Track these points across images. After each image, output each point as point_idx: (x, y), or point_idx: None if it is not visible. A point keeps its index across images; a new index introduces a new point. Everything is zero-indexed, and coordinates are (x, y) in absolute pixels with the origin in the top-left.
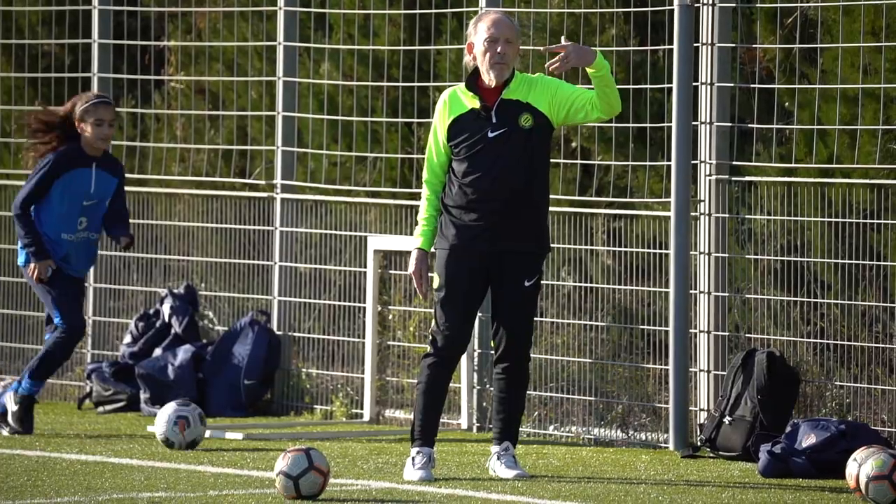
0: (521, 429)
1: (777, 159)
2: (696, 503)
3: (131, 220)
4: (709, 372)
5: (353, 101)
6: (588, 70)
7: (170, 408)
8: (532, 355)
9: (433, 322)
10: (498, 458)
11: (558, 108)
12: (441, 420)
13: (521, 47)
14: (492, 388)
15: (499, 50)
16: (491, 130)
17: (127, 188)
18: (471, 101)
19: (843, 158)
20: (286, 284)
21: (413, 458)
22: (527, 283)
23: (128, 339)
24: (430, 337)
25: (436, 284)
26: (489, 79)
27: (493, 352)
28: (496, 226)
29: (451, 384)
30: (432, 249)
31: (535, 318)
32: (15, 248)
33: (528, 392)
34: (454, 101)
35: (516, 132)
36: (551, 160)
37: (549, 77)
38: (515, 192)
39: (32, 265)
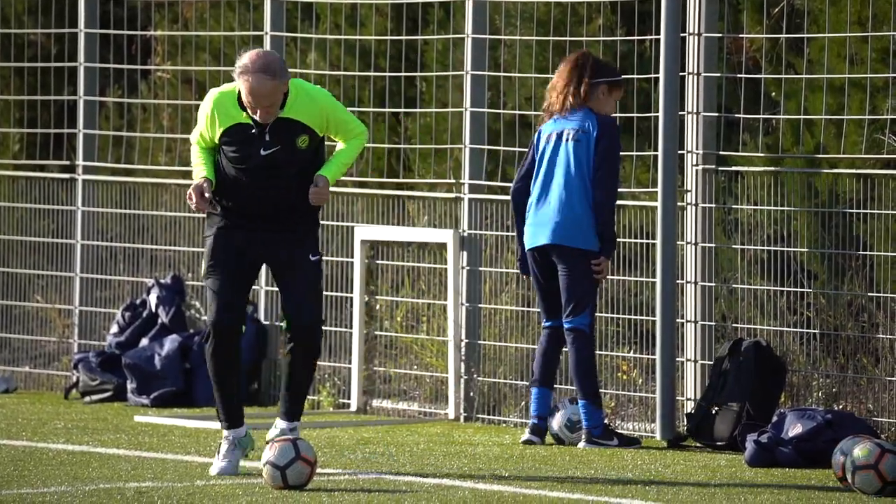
0: (507, 418)
1: (764, 149)
2: (683, 493)
3: (119, 210)
4: (696, 362)
5: (340, 91)
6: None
7: None
8: (520, 346)
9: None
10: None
11: (330, 130)
12: (428, 410)
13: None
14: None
15: (259, 115)
16: (264, 149)
17: (114, 178)
18: (241, 117)
19: (829, 148)
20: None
21: (219, 446)
22: (312, 257)
23: (114, 328)
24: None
25: (204, 268)
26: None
27: (283, 326)
28: (264, 230)
29: (438, 374)
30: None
31: (521, 308)
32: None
33: (515, 382)
34: (221, 110)
35: (289, 149)
36: None
37: (324, 97)
38: (285, 207)
39: None
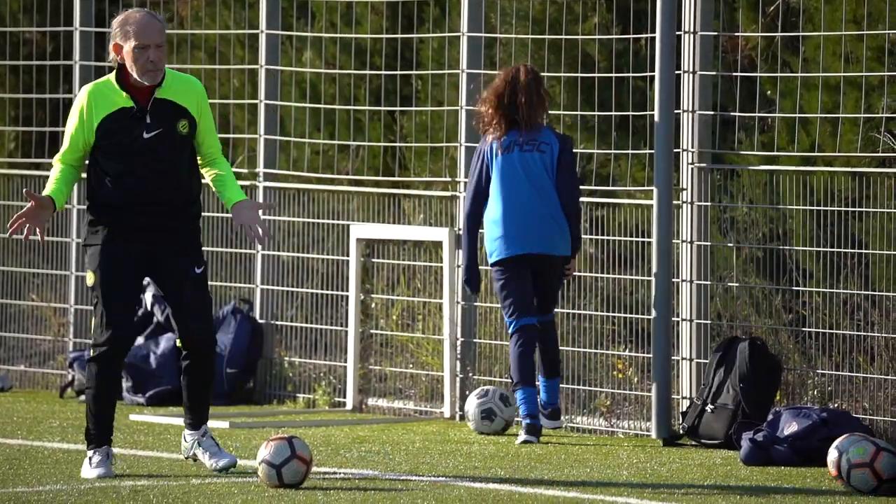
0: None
1: (759, 147)
2: (678, 491)
3: None
4: (691, 360)
5: (335, 90)
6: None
7: None
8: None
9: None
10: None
11: (199, 123)
12: (423, 408)
13: (500, 35)
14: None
15: (150, 58)
16: (146, 132)
17: None
18: (121, 100)
19: (824, 147)
20: (268, 273)
21: (90, 458)
22: (197, 270)
23: None
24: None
25: (91, 282)
26: (141, 82)
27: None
28: (153, 226)
29: (433, 372)
30: (83, 245)
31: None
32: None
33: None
34: (99, 98)
35: (171, 134)
36: None
37: (202, 89)
38: (173, 193)
39: None
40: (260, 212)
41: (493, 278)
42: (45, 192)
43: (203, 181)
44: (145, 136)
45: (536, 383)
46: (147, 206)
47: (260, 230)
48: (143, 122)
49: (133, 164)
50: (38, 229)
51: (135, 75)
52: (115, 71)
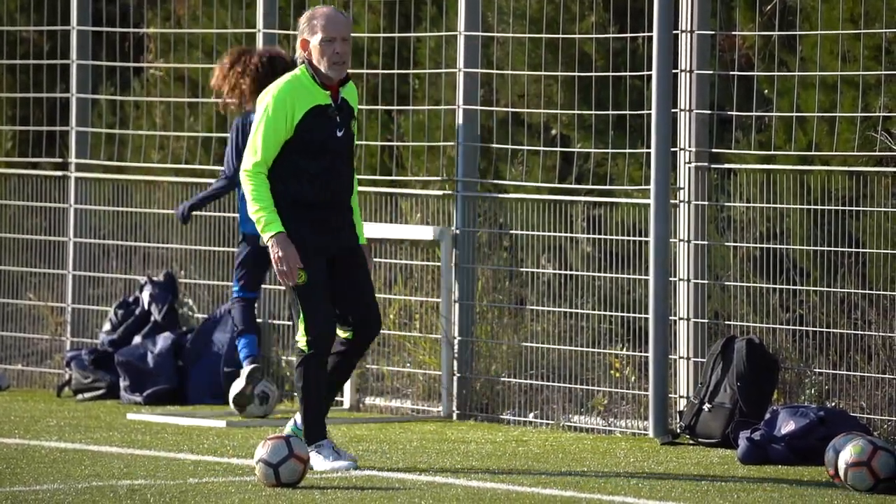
0: (501, 415)
1: (756, 147)
2: (676, 490)
3: (112, 208)
4: (688, 359)
5: None
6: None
7: None
8: (512, 343)
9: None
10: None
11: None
12: (420, 407)
13: (498, 34)
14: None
15: (337, 50)
16: (338, 130)
17: (106, 175)
18: (320, 97)
19: (822, 146)
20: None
21: (320, 454)
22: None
23: (107, 326)
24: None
25: (301, 279)
26: (329, 76)
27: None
28: (341, 223)
29: (431, 371)
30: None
31: (516, 306)
32: None
33: (508, 379)
34: (297, 94)
35: (350, 132)
36: (531, 147)
37: (356, 89)
38: (350, 192)
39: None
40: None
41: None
42: (276, 230)
43: None
44: (338, 133)
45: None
46: (337, 204)
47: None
48: (335, 120)
49: (328, 162)
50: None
51: (322, 69)
52: (304, 68)
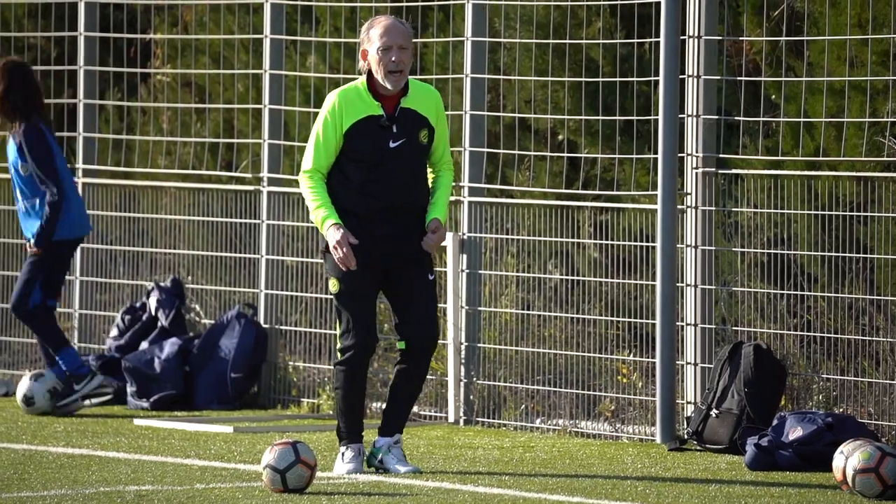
0: (507, 421)
1: (764, 152)
2: (683, 496)
3: (119, 213)
4: (695, 365)
5: None
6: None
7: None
8: (519, 348)
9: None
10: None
11: (436, 130)
12: (427, 413)
13: (505, 40)
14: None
15: (393, 59)
16: (392, 141)
17: (113, 181)
18: (371, 107)
19: (829, 151)
20: (273, 277)
21: (343, 454)
22: (430, 277)
23: (114, 332)
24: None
25: (334, 289)
26: (386, 87)
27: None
28: (389, 232)
29: (438, 377)
30: (322, 251)
31: (521, 311)
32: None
33: (515, 385)
34: (348, 104)
35: (413, 143)
36: (538, 152)
37: (439, 96)
38: (410, 202)
39: None
40: (436, 236)
41: None
42: (333, 220)
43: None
44: (391, 145)
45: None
46: (388, 214)
47: (436, 240)
48: (389, 130)
49: (377, 172)
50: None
51: (379, 79)
52: (364, 78)
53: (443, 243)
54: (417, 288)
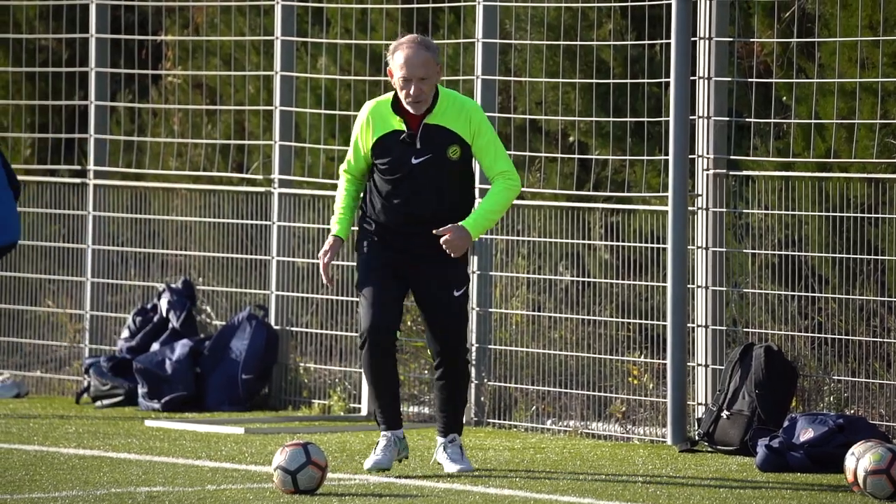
0: (519, 422)
1: (774, 154)
2: (694, 498)
3: (130, 215)
4: (706, 366)
5: (350, 96)
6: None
7: None
8: (530, 350)
9: None
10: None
11: (474, 150)
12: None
13: (515, 41)
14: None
15: (412, 91)
16: (415, 157)
17: (124, 183)
18: (395, 123)
19: (840, 153)
20: (284, 279)
21: (378, 443)
22: (456, 293)
23: (125, 333)
24: None
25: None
26: (409, 110)
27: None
28: (405, 246)
29: None
30: (355, 251)
31: (532, 312)
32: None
33: (526, 386)
34: (377, 117)
35: (441, 159)
36: (549, 154)
37: (475, 109)
38: (434, 217)
39: None
40: (461, 238)
41: None
42: (333, 232)
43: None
44: (414, 161)
45: None
46: (409, 228)
47: (447, 242)
48: (412, 147)
49: (400, 187)
50: (330, 281)
51: (402, 101)
52: (393, 93)
53: (461, 252)
54: (440, 304)
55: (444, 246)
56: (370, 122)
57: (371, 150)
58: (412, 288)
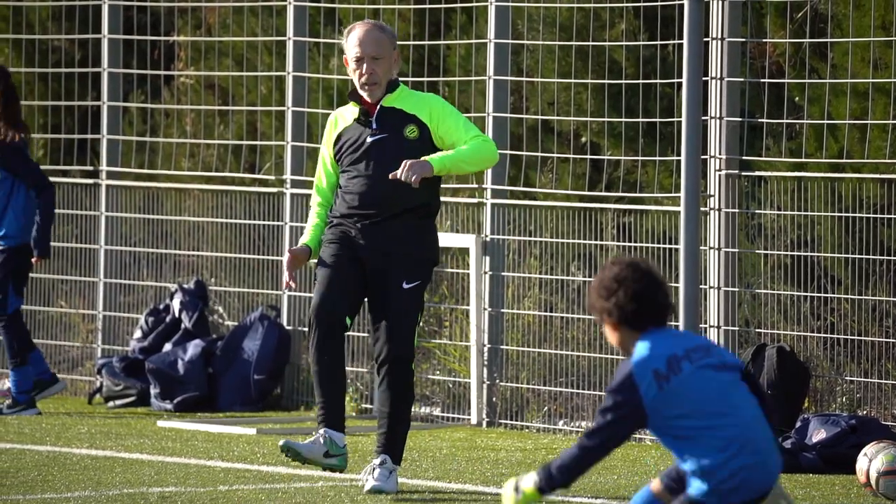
0: (530, 423)
1: (787, 154)
2: None
3: (142, 215)
4: None
5: None
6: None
7: None
8: (542, 350)
9: None
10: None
11: (439, 135)
12: (450, 415)
13: (528, 42)
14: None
15: (364, 70)
16: (370, 136)
17: (137, 183)
18: (353, 113)
19: (853, 153)
20: (296, 279)
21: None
22: (405, 285)
23: (138, 334)
24: None
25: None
26: (363, 97)
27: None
28: (372, 232)
29: (460, 379)
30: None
31: (544, 313)
32: None
33: (538, 387)
34: (340, 117)
35: (397, 138)
36: (561, 154)
37: (436, 98)
38: (392, 197)
39: None
40: (420, 168)
41: None
42: (302, 241)
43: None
44: (369, 139)
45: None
46: (367, 211)
47: (406, 167)
48: (368, 126)
49: (357, 167)
50: (291, 279)
51: (357, 88)
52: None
53: (414, 178)
54: (387, 297)
55: (400, 170)
56: (336, 123)
57: (334, 147)
58: (369, 291)
